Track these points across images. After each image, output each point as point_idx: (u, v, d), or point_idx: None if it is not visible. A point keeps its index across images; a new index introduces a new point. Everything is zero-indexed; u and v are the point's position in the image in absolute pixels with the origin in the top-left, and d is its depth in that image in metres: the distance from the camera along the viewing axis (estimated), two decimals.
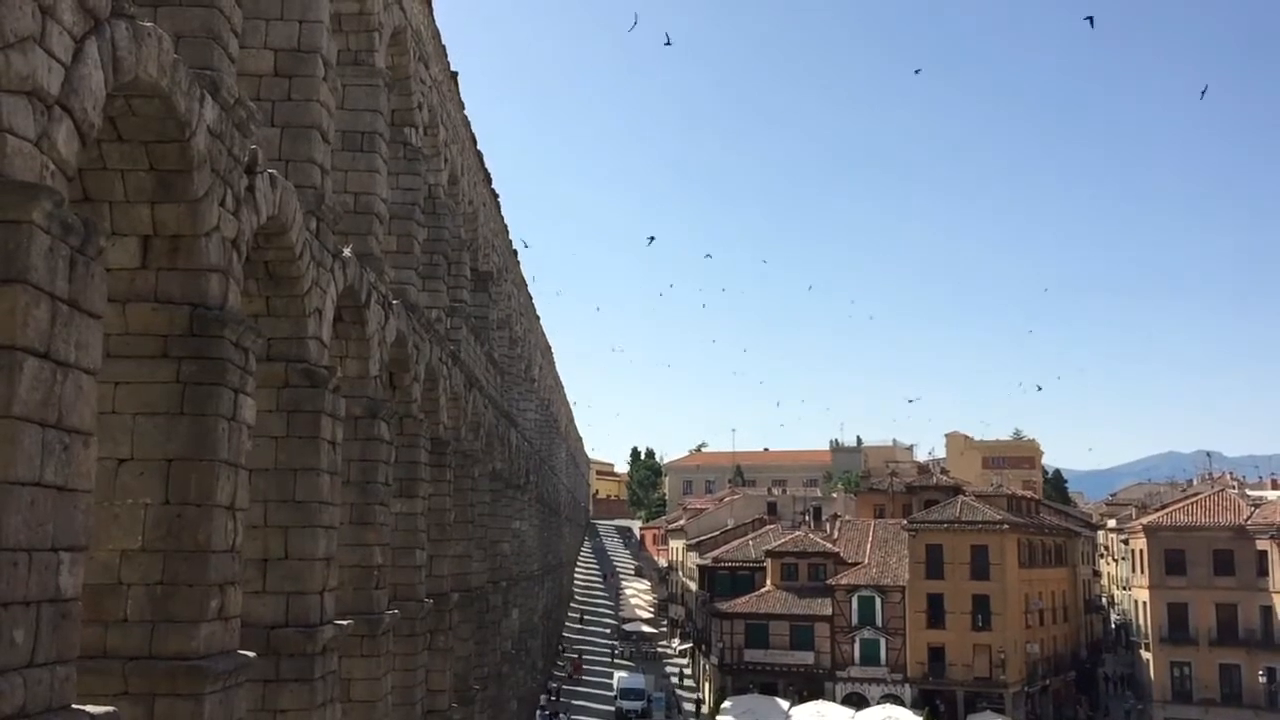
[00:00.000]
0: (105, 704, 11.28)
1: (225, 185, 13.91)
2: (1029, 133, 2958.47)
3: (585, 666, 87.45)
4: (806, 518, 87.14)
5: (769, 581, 73.73)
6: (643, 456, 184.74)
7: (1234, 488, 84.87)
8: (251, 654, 14.50)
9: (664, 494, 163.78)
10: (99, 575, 12.62)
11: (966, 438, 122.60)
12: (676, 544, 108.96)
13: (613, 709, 73.52)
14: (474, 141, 39.57)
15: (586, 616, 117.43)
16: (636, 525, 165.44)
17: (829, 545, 74.47)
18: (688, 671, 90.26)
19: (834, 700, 65.84)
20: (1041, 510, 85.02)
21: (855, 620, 69.42)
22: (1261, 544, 68.65)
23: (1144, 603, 73.71)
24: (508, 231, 52.62)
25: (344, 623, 19.00)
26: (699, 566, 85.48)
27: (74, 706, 9.49)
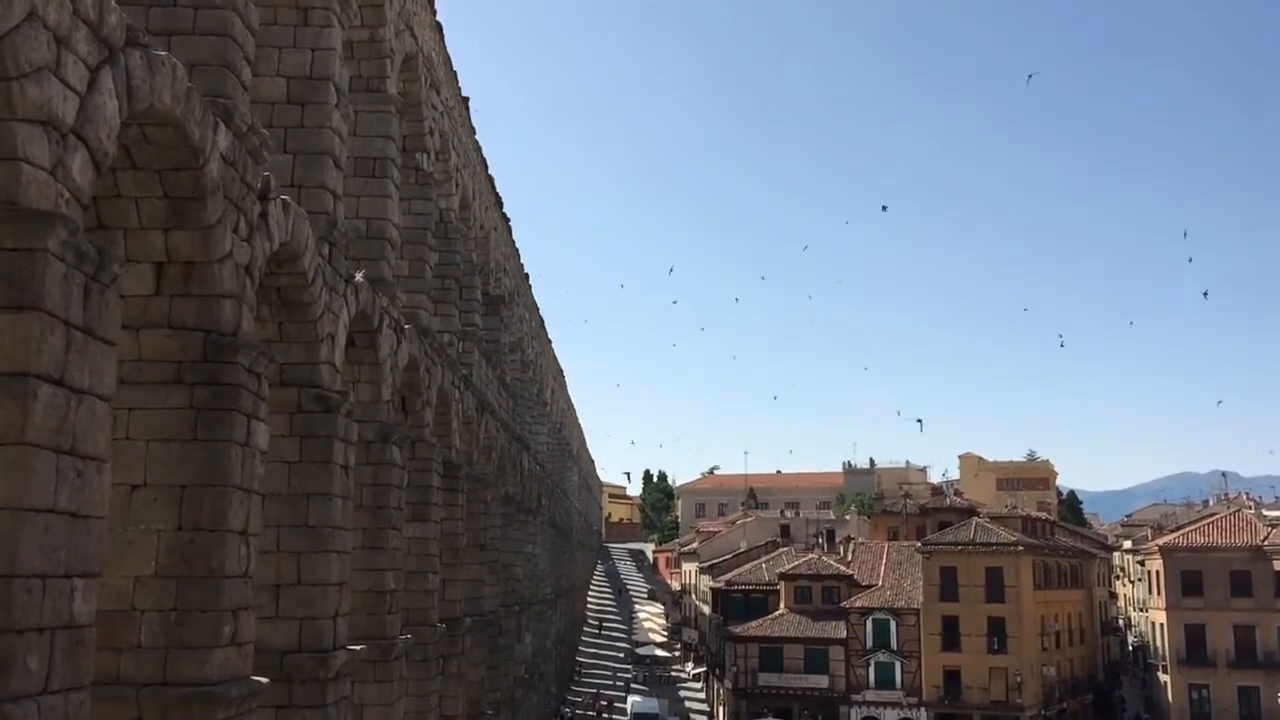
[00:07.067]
0: None
1: (238, 212, 13.99)
2: (1034, 142, 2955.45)
3: (607, 693, 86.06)
4: (820, 540, 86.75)
5: (783, 604, 73.37)
6: (655, 479, 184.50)
7: (1250, 508, 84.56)
8: (264, 679, 14.50)
9: (677, 517, 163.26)
10: (112, 601, 12.64)
11: (980, 459, 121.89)
12: (689, 567, 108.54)
13: None
14: (485, 166, 39.73)
15: (604, 628, 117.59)
16: (649, 548, 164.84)
17: (843, 568, 74.14)
18: (701, 695, 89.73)
19: None
20: (1056, 531, 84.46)
21: (870, 643, 68.98)
22: (1279, 564, 68.15)
23: (1161, 624, 73.15)
24: (519, 255, 52.77)
25: (357, 648, 18.98)
26: (712, 589, 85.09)
27: None
